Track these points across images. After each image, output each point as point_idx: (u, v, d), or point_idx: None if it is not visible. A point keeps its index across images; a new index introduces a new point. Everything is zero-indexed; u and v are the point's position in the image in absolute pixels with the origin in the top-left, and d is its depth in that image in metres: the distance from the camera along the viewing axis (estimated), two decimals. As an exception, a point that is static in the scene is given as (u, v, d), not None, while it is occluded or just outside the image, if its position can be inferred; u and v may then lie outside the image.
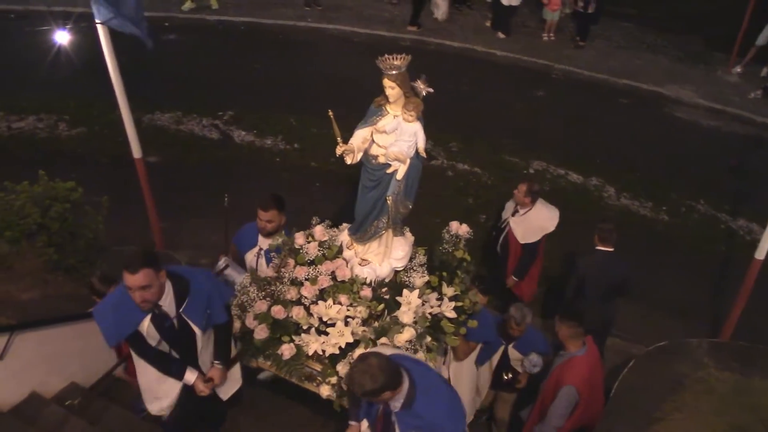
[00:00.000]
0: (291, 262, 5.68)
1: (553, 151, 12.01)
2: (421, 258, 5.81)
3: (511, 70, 15.17)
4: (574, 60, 15.48)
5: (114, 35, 6.42)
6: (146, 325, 4.74)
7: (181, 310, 4.82)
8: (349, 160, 5.12)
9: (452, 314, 5.56)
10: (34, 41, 12.12)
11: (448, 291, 5.67)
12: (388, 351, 4.42)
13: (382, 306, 5.43)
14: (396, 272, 5.71)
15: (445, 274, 5.81)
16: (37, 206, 6.57)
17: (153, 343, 4.85)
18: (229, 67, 13.83)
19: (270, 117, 12.13)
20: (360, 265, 5.57)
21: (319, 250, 5.70)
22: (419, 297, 5.42)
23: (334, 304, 5.36)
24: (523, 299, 8.07)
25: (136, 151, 7.28)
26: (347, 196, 10.22)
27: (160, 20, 15.35)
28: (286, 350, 5.27)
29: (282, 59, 14.39)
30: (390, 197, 5.16)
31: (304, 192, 10.20)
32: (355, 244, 5.59)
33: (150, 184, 7.58)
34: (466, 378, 6.61)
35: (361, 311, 5.33)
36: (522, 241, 7.75)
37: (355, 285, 5.47)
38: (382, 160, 5.06)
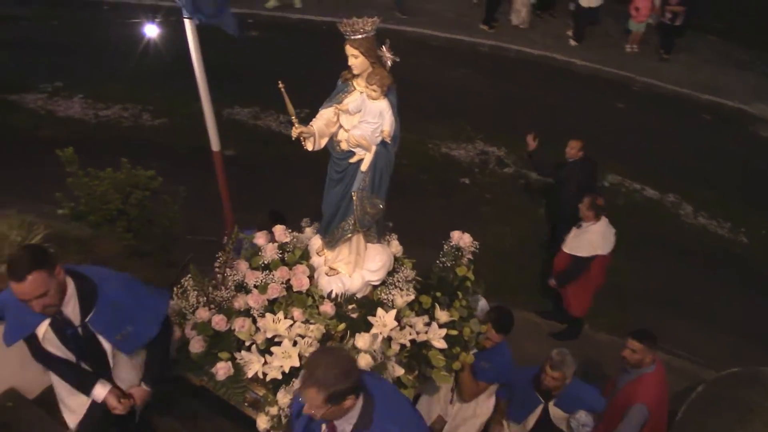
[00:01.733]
0: (242, 264, 4.89)
1: (629, 164, 11.77)
2: (408, 272, 4.95)
3: (590, 81, 14.92)
4: (657, 73, 15.12)
5: (201, 31, 6.58)
6: (44, 329, 4.02)
7: (87, 319, 4.00)
8: (309, 147, 4.32)
9: (441, 344, 4.68)
10: (124, 33, 12.55)
11: (442, 316, 4.79)
12: None
13: (342, 326, 4.55)
14: (374, 287, 4.85)
15: (439, 294, 4.92)
16: (118, 193, 6.78)
17: (53, 350, 4.10)
18: (307, 65, 13.99)
19: (345, 116, 12.18)
20: (327, 274, 4.74)
21: (278, 254, 4.88)
22: (398, 319, 4.59)
23: (285, 318, 4.52)
24: (569, 310, 8.01)
25: (215, 144, 7.44)
26: (419, 202, 10.29)
27: (244, 17, 15.67)
28: (222, 369, 4.45)
29: (360, 60, 14.48)
30: (355, 193, 4.39)
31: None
32: (326, 250, 4.80)
33: (226, 177, 7.75)
34: (470, 422, 5.72)
35: (314, 330, 4.47)
36: (566, 250, 7.66)
37: (311, 298, 4.66)
38: (344, 146, 4.30)
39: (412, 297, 4.82)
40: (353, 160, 4.30)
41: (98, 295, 4.00)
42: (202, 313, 4.65)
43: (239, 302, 4.67)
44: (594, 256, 7.53)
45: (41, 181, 8.08)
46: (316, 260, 4.87)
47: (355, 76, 4.21)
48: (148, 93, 12.37)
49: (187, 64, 6.72)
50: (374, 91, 4.12)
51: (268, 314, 4.55)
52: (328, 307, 4.60)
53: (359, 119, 4.23)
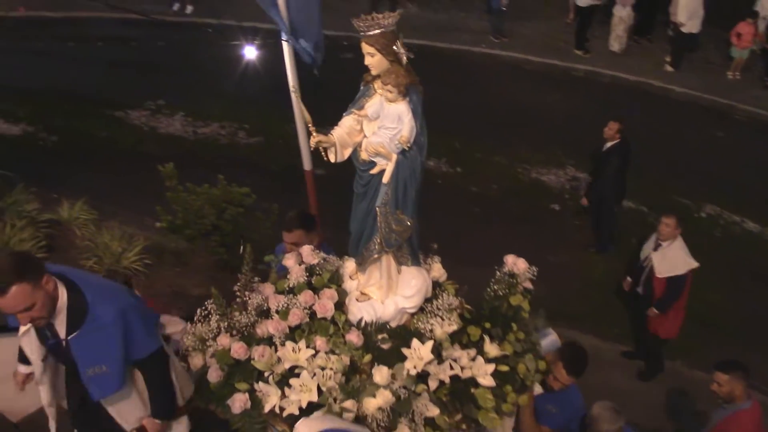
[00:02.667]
0: (268, 287, 4.51)
1: (729, 196, 11.34)
2: (449, 298, 4.38)
3: (689, 108, 14.49)
4: (760, 101, 14.54)
5: (297, 52, 6.76)
6: (25, 328, 3.83)
7: (69, 337, 3.70)
8: (331, 158, 4.00)
9: (487, 381, 4.18)
10: (225, 54, 13.00)
11: (491, 349, 4.29)
12: (321, 424, 3.17)
13: (368, 357, 4.11)
14: (412, 316, 4.36)
15: (488, 325, 4.41)
16: (214, 208, 7.02)
17: (27, 347, 3.92)
18: (400, 87, 14.14)
19: (435, 139, 12.08)
20: (357, 300, 4.31)
21: (305, 276, 4.45)
22: (439, 352, 4.12)
23: (307, 347, 4.11)
24: (662, 334, 7.75)
25: (307, 163, 7.58)
26: (507, 227, 10.20)
27: (339, 39, 15.97)
28: (238, 402, 4.05)
29: (453, 83, 14.51)
30: (378, 209, 3.97)
31: (462, 216, 10.21)
32: (359, 273, 4.36)
33: (317, 196, 7.89)
34: None
35: (335, 362, 4.03)
36: (666, 275, 7.41)
37: (333, 326, 4.21)
38: (364, 155, 3.94)
39: (455, 327, 4.26)
40: (374, 171, 3.93)
41: (86, 316, 3.66)
42: (223, 340, 4.26)
43: (262, 329, 4.28)
44: (688, 272, 7.37)
45: (142, 194, 8.46)
46: (348, 284, 4.43)
47: (375, 78, 3.84)
48: (245, 112, 12.74)
49: (283, 85, 6.92)
50: (390, 91, 3.74)
51: (288, 342, 4.14)
52: (354, 336, 4.13)
53: (378, 125, 3.87)
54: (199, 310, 4.52)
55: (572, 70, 15.54)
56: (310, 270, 4.52)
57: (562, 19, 17.36)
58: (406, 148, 3.81)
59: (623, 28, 15.88)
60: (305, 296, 4.29)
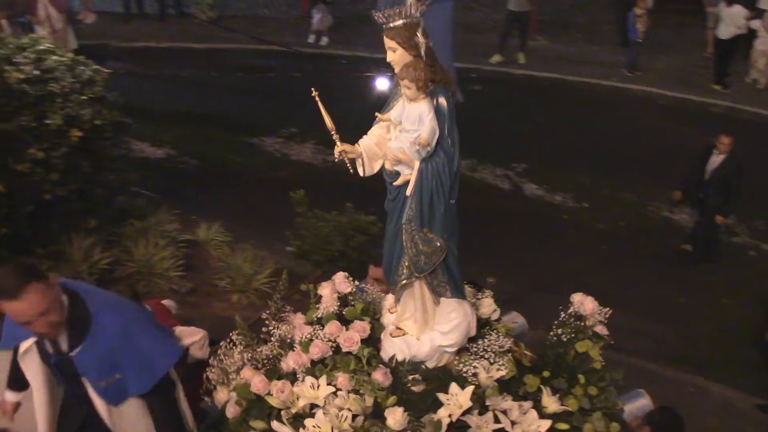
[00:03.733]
0: (297, 317, 4.18)
1: None
2: (501, 339, 3.85)
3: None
4: None
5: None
6: (27, 344, 3.45)
7: (72, 353, 3.37)
8: (359, 171, 3.64)
9: None
10: (357, 85, 13.38)
11: (550, 403, 3.70)
12: None
13: (392, 399, 3.58)
14: (455, 356, 3.83)
15: (546, 374, 3.81)
16: (341, 235, 7.22)
17: (27, 369, 3.49)
18: (528, 120, 14.05)
19: (562, 173, 12.06)
20: (391, 335, 3.82)
21: (336, 306, 4.03)
22: (480, 399, 3.58)
23: (328, 384, 3.67)
24: None
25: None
26: (635, 266, 9.89)
27: (467, 71, 16.06)
28: None
29: (582, 116, 14.30)
30: (404, 225, 3.50)
31: (588, 254, 9.97)
32: (396, 305, 3.87)
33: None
34: None
35: (353, 402, 3.56)
36: None
37: (356, 361, 3.74)
38: (387, 165, 3.54)
39: (503, 372, 3.71)
40: (398, 182, 3.50)
41: (90, 327, 3.34)
42: (247, 373, 3.91)
43: (286, 363, 3.89)
44: None
45: (273, 218, 8.81)
46: (387, 318, 3.97)
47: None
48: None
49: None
50: (408, 87, 3.30)
51: (308, 378, 3.72)
52: (380, 375, 3.64)
53: (400, 128, 3.47)
54: (223, 343, 4.26)
55: (710, 106, 14.94)
56: (344, 300, 4.10)
57: (700, 52, 16.78)
58: (424, 153, 3.36)
59: (765, 62, 15.15)
60: (331, 327, 3.87)
